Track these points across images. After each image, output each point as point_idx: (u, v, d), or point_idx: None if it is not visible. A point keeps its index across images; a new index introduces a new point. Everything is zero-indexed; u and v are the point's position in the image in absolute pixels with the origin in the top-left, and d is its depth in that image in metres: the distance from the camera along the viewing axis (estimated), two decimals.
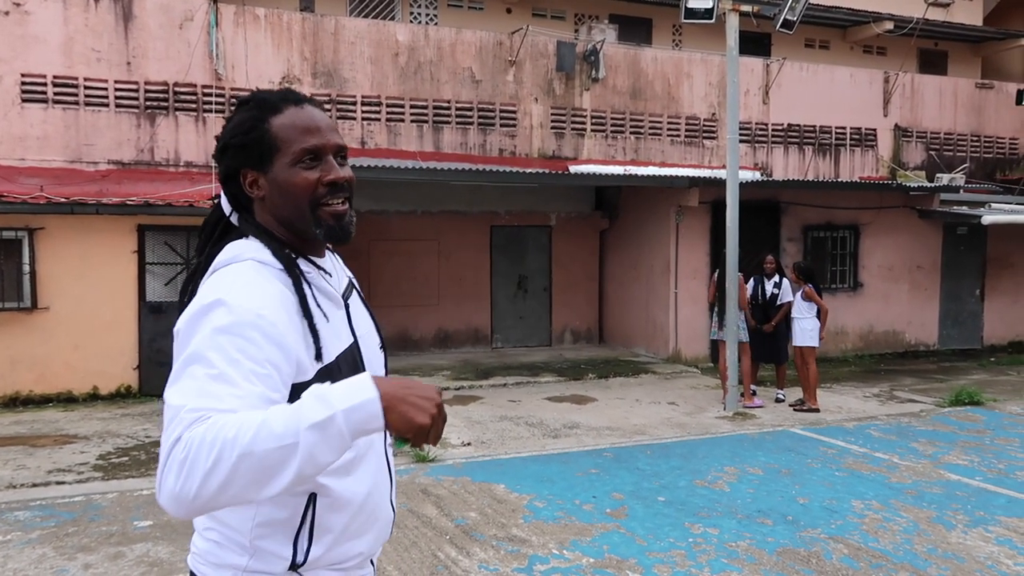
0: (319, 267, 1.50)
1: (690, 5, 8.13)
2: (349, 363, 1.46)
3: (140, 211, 8.97)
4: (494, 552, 4.52)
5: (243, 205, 1.52)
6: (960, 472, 6.21)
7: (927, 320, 13.16)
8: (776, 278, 9.00)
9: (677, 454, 6.73)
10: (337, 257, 1.67)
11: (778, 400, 8.97)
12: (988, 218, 11.91)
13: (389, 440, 1.28)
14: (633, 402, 8.99)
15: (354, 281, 1.68)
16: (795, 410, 8.53)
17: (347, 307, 1.54)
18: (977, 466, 6.39)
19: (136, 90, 10.20)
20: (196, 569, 1.47)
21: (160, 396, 8.90)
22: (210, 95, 10.51)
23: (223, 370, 1.24)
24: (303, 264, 1.47)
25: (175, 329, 1.34)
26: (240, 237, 1.49)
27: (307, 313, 1.39)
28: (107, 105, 10.07)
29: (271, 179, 1.46)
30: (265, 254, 1.43)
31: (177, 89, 10.37)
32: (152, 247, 9.30)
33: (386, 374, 1.60)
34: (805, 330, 8.57)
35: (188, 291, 1.47)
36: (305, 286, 1.43)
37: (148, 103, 10.26)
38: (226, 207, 1.54)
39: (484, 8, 13.90)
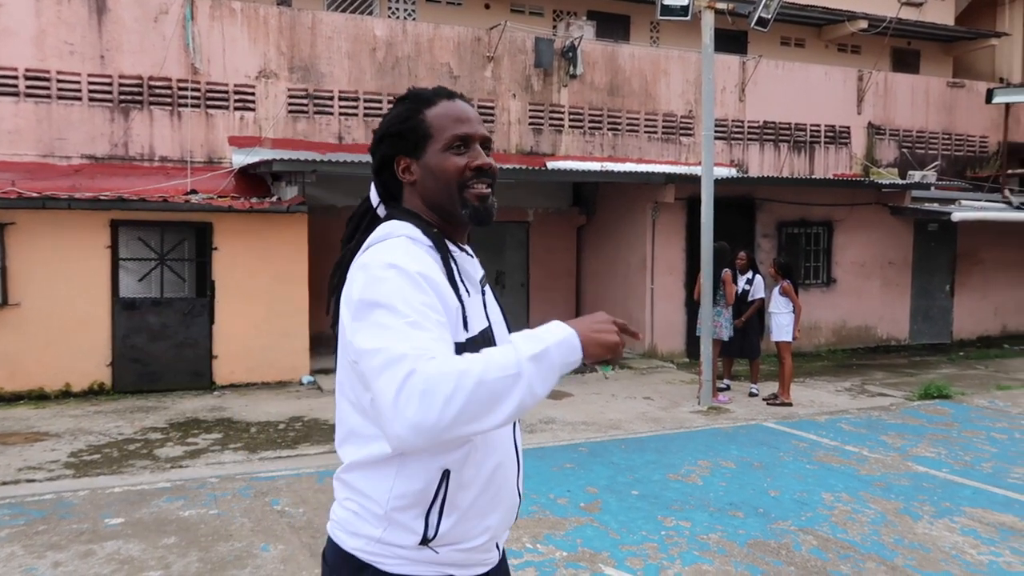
0: (462, 249, 1.62)
1: (666, 2, 8.18)
2: (485, 344, 1.53)
3: (114, 206, 8.88)
4: None
5: (391, 194, 1.66)
6: (928, 464, 6.33)
7: (898, 315, 13.37)
8: (748, 274, 9.10)
9: (651, 448, 6.80)
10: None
11: (751, 395, 9.08)
12: (958, 215, 12.11)
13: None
14: (609, 397, 9.05)
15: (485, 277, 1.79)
16: (768, 404, 8.64)
17: (483, 293, 1.65)
18: (944, 458, 6.51)
19: (110, 84, 10.09)
20: (334, 535, 1.57)
21: (133, 393, 8.76)
22: (185, 89, 10.42)
23: (416, 319, 1.37)
24: (449, 244, 1.59)
25: (349, 299, 1.46)
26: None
27: (454, 285, 1.51)
28: (80, 99, 9.95)
29: (423, 164, 1.59)
30: (415, 232, 1.55)
31: (152, 83, 10.27)
32: (126, 242, 9.21)
33: None
34: (782, 325, 8.66)
35: (337, 275, 1.60)
36: (452, 262, 1.56)
37: (122, 97, 10.15)
38: (375, 198, 1.68)
39: (462, 4, 13.88)
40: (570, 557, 4.41)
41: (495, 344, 1.58)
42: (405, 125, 1.61)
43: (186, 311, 9.32)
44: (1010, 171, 16.03)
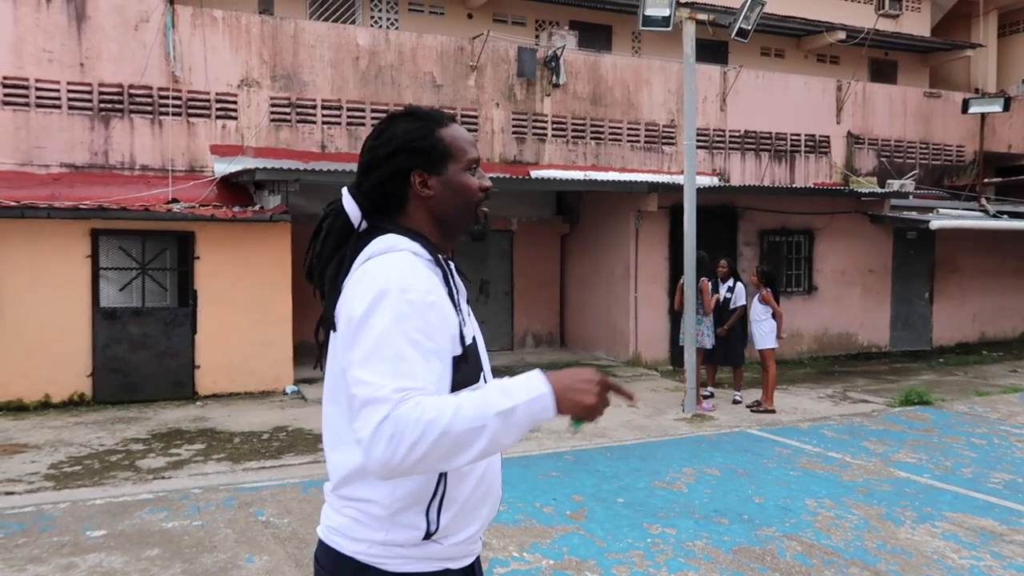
0: (452, 264, 1.70)
1: (648, 13, 8.24)
2: (474, 354, 1.64)
3: (93, 215, 8.80)
4: None
5: (380, 208, 1.65)
6: (909, 470, 6.39)
7: (879, 322, 13.50)
8: (730, 282, 9.16)
9: (636, 456, 6.81)
10: None
11: (735, 402, 9.12)
12: (936, 223, 12.28)
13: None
14: None
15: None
16: (752, 411, 8.69)
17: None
18: (925, 464, 6.58)
19: (90, 92, 10.01)
20: (330, 541, 1.61)
21: (114, 403, 8.66)
22: (167, 97, 10.36)
23: (408, 352, 1.44)
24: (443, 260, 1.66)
25: (349, 316, 1.50)
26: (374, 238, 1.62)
27: (454, 301, 1.59)
28: (59, 107, 9.86)
29: (444, 180, 1.66)
30: (418, 247, 1.60)
31: (132, 91, 10.20)
32: (106, 252, 9.12)
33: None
34: (764, 332, 8.72)
35: (331, 287, 1.60)
36: (451, 278, 1.64)
37: (102, 105, 10.08)
38: (355, 215, 1.63)
39: (445, 13, 13.92)
40: (557, 565, 4.41)
41: (480, 356, 1.67)
42: (425, 142, 1.66)
43: (168, 320, 9.24)
44: (986, 180, 16.31)
